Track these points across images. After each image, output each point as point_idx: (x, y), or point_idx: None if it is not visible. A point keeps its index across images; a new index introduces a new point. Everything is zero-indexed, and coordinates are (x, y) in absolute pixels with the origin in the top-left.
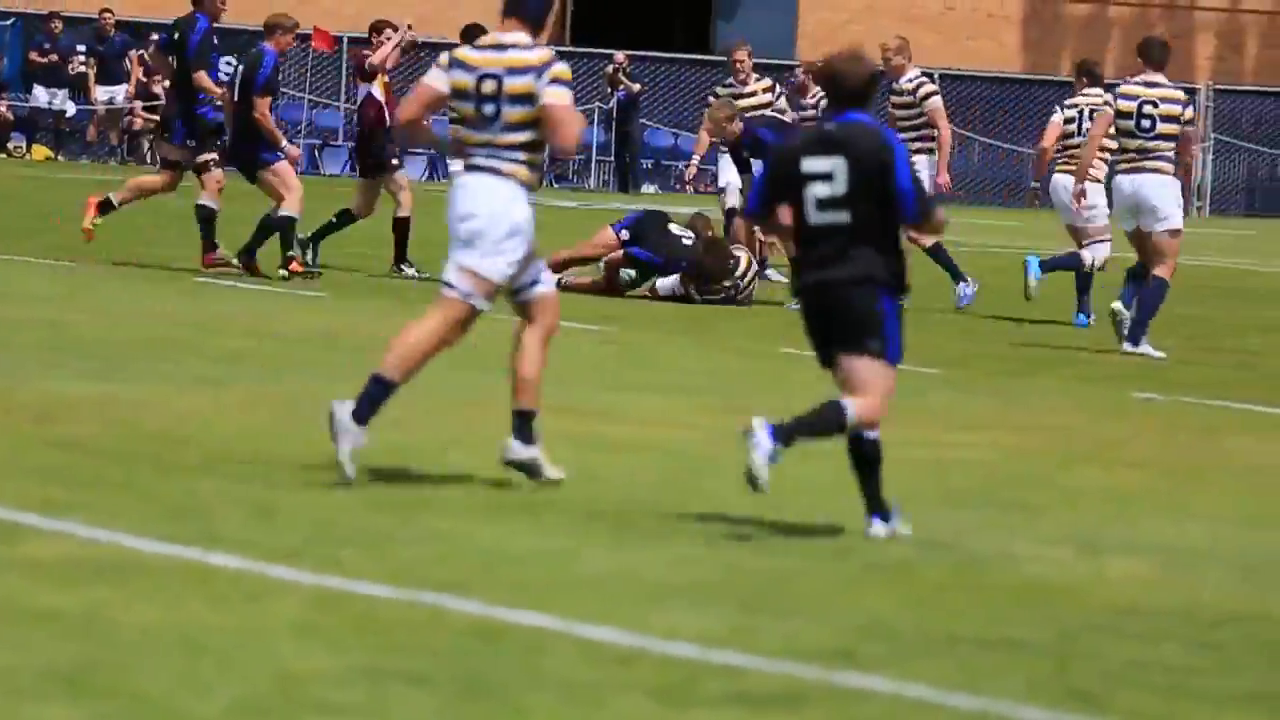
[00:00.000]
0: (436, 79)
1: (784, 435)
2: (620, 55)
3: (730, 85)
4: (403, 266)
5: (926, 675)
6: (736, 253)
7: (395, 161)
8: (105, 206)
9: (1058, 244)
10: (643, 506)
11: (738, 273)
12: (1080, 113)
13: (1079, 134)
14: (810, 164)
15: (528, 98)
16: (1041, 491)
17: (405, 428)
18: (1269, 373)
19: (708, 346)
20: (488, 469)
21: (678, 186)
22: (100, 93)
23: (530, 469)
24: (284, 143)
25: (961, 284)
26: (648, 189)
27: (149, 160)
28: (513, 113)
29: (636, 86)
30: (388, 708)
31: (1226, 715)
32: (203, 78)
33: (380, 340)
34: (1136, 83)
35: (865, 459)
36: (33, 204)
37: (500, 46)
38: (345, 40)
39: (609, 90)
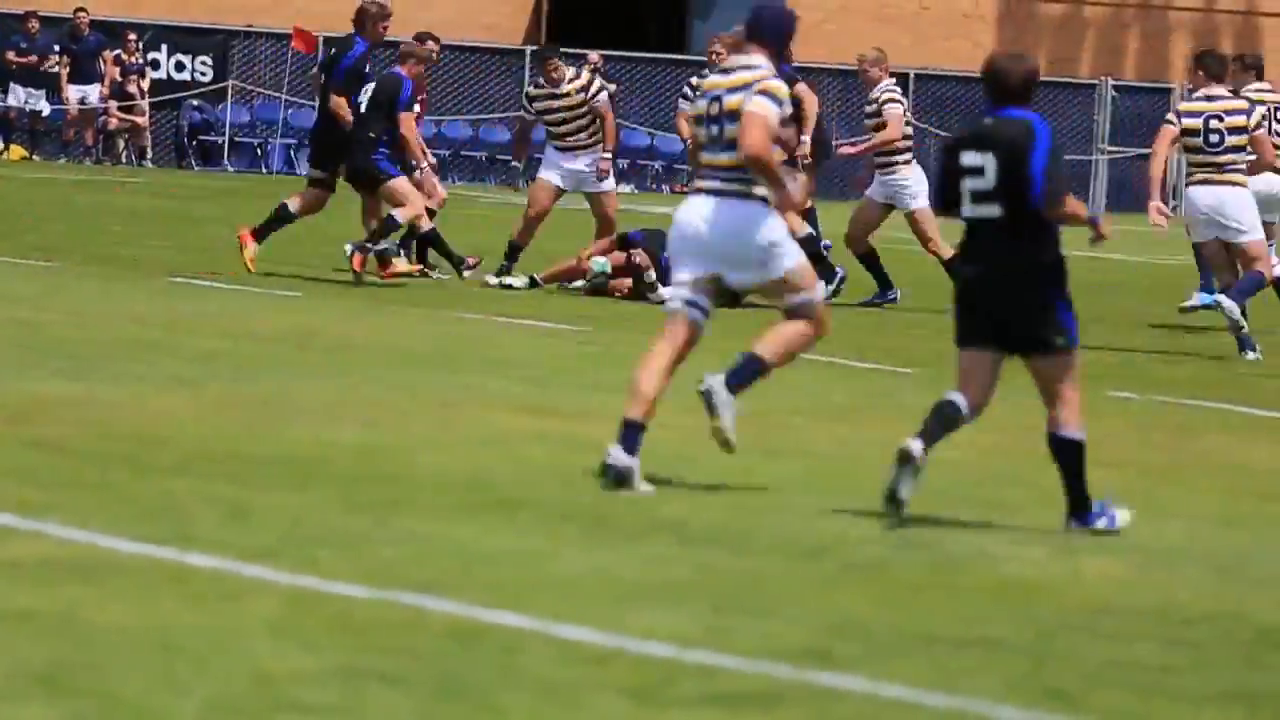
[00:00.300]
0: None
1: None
2: (595, 55)
3: (705, 78)
4: (427, 270)
5: (902, 675)
6: None
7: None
8: (261, 234)
9: None
10: (618, 506)
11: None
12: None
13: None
14: (967, 158)
15: (739, 114)
16: (1017, 491)
17: (380, 428)
18: (1244, 372)
19: None
20: (462, 469)
21: (654, 186)
22: (73, 92)
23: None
24: (426, 158)
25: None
26: (624, 189)
27: (125, 160)
28: (731, 130)
29: (612, 86)
30: (363, 708)
31: (1203, 714)
32: (340, 105)
33: (354, 340)
34: (1198, 99)
35: (1067, 459)
36: (8, 204)
37: (728, 70)
38: (322, 40)
39: None
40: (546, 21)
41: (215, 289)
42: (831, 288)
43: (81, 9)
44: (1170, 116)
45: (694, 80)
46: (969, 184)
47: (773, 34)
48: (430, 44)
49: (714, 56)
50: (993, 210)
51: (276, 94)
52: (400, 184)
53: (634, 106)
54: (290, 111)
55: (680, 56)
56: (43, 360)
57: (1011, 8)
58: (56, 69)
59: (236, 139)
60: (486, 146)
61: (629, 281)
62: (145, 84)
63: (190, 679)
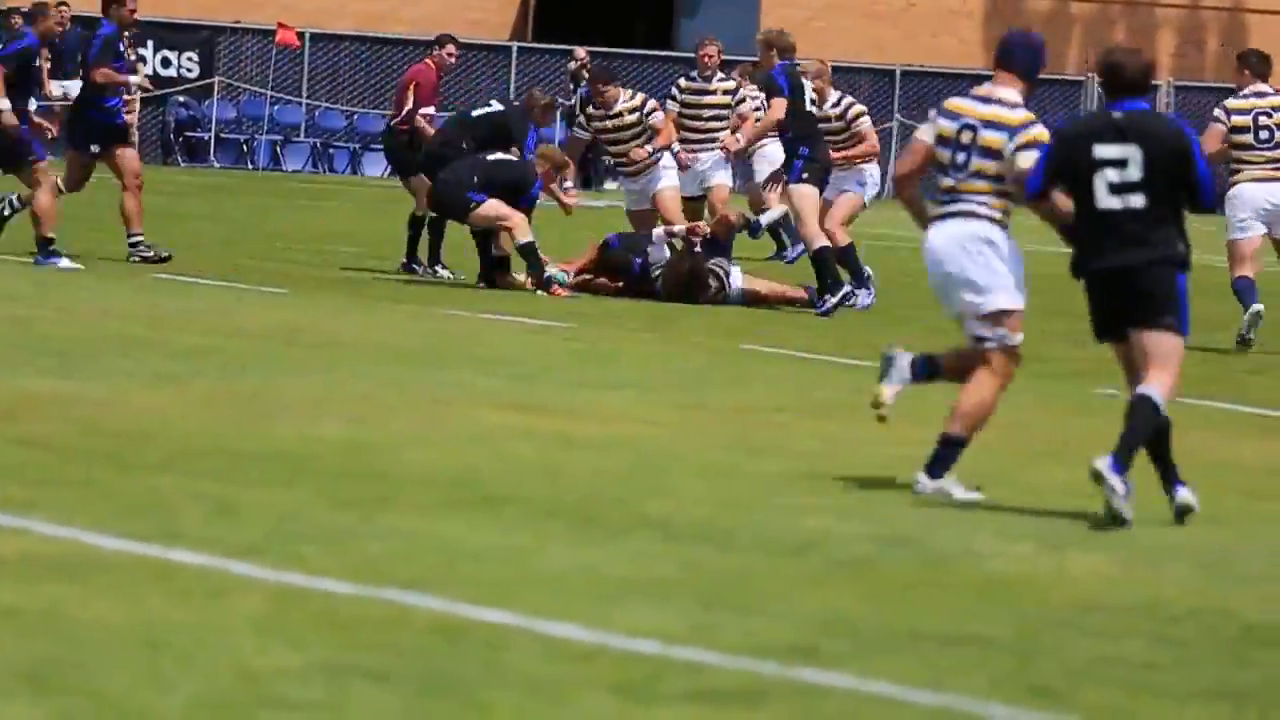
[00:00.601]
0: (925, 133)
1: (1124, 464)
2: (582, 51)
3: (694, 80)
4: (437, 269)
5: (888, 671)
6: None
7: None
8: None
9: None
10: (604, 503)
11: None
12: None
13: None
14: (1103, 150)
15: (997, 153)
16: (1004, 488)
17: (366, 425)
18: (1230, 369)
19: (669, 343)
20: (448, 465)
21: None
22: (54, 88)
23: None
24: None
25: (863, 290)
26: (610, 185)
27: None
28: (980, 164)
29: None
30: (349, 704)
31: (1188, 711)
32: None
33: (340, 337)
34: (1246, 95)
35: (1146, 417)
36: None
37: (987, 99)
38: (308, 36)
39: (571, 87)
40: (533, 18)
41: (201, 285)
42: (834, 300)
43: (63, 3)
44: (1219, 114)
45: (681, 82)
46: (1106, 175)
47: (1024, 65)
48: (450, 47)
49: (706, 59)
50: (1136, 201)
51: (262, 90)
52: (488, 209)
53: None
54: (276, 108)
55: (668, 54)
56: (30, 357)
57: (999, 4)
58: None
59: (222, 135)
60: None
61: (605, 279)
62: (137, 80)
63: (175, 676)
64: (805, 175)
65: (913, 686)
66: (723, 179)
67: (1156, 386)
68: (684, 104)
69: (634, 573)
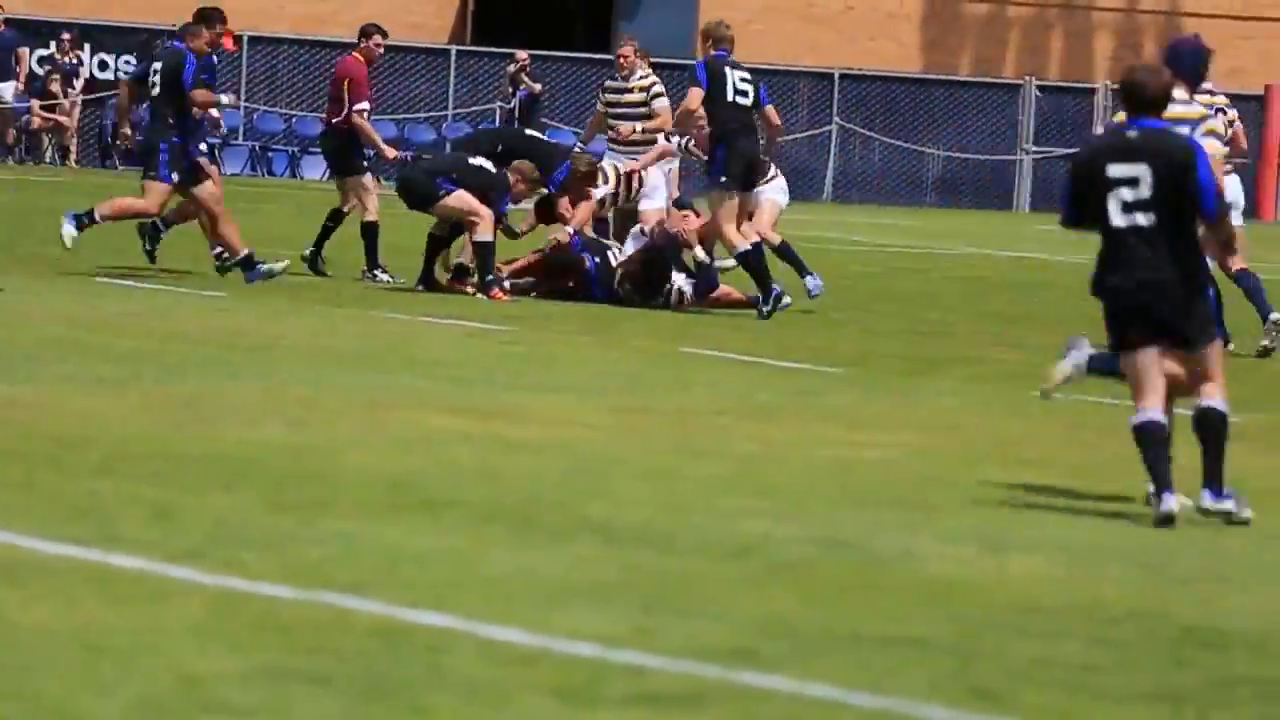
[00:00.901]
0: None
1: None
2: (523, 54)
3: (614, 79)
4: (376, 273)
5: (828, 674)
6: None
7: (365, 164)
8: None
9: (949, 242)
10: (544, 506)
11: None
12: None
13: None
14: (1115, 170)
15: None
16: (943, 490)
17: (306, 428)
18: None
19: (609, 346)
20: (388, 469)
21: None
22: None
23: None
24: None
25: (809, 277)
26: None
27: (50, 160)
28: None
29: (538, 86)
30: (289, 708)
31: (1128, 712)
32: None
33: (280, 340)
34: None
35: (1215, 432)
36: None
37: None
38: (246, 39)
39: (510, 90)
40: (472, 21)
41: (139, 289)
42: (769, 307)
43: None
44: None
45: (606, 83)
46: (1119, 194)
47: (1190, 69)
48: (377, 38)
49: (622, 59)
50: (1147, 219)
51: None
52: (456, 200)
53: (560, 107)
54: (256, 116)
55: (606, 57)
56: None
57: (936, 8)
58: None
59: None
60: (412, 146)
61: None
62: (79, 84)
63: (115, 680)
64: (724, 177)
65: (853, 689)
66: (655, 204)
67: (1215, 396)
68: (607, 104)
69: (574, 576)
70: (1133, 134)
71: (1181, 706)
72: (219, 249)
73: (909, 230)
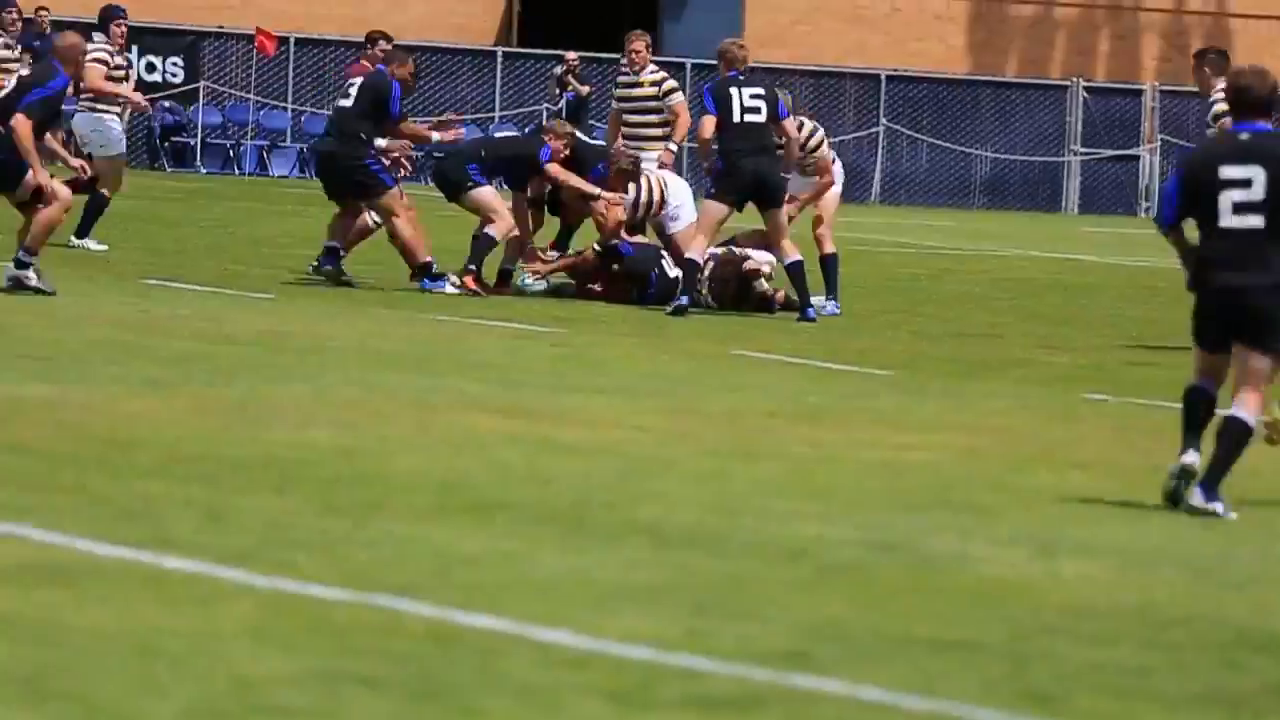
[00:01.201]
0: None
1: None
2: (571, 56)
3: (626, 74)
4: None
5: (881, 677)
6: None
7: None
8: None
9: (997, 244)
10: (594, 508)
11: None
12: None
13: None
14: (1228, 171)
15: None
16: (994, 493)
17: (356, 430)
18: None
19: (658, 349)
20: (438, 471)
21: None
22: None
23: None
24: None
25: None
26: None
27: None
28: None
29: (585, 88)
30: (341, 711)
31: (1181, 716)
32: None
33: (329, 342)
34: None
35: (1233, 442)
36: None
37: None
38: (292, 41)
39: (557, 92)
40: (518, 22)
41: (188, 291)
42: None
43: (43, 8)
44: (1211, 122)
45: (618, 79)
46: (1230, 195)
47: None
48: (382, 43)
49: (634, 54)
50: (1257, 221)
51: (248, 95)
52: (483, 195)
53: (607, 108)
54: (262, 113)
55: (652, 58)
56: (16, 363)
57: (983, 9)
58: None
59: (209, 140)
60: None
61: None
62: (128, 86)
63: (169, 682)
64: (714, 190)
65: (905, 692)
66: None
67: (1247, 407)
68: (620, 99)
69: (626, 578)
70: (1245, 136)
71: (1235, 710)
72: (339, 250)
73: (957, 232)
